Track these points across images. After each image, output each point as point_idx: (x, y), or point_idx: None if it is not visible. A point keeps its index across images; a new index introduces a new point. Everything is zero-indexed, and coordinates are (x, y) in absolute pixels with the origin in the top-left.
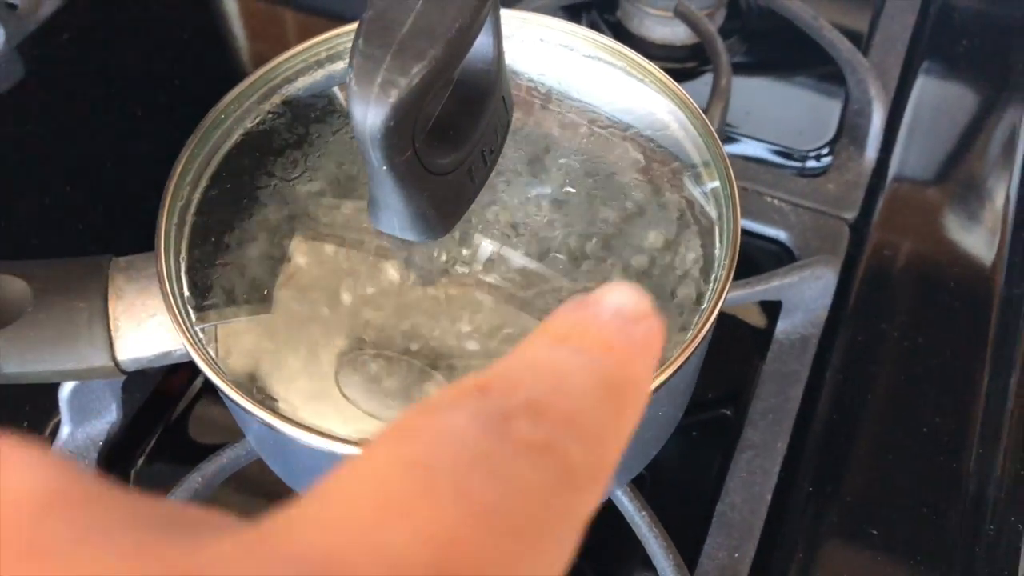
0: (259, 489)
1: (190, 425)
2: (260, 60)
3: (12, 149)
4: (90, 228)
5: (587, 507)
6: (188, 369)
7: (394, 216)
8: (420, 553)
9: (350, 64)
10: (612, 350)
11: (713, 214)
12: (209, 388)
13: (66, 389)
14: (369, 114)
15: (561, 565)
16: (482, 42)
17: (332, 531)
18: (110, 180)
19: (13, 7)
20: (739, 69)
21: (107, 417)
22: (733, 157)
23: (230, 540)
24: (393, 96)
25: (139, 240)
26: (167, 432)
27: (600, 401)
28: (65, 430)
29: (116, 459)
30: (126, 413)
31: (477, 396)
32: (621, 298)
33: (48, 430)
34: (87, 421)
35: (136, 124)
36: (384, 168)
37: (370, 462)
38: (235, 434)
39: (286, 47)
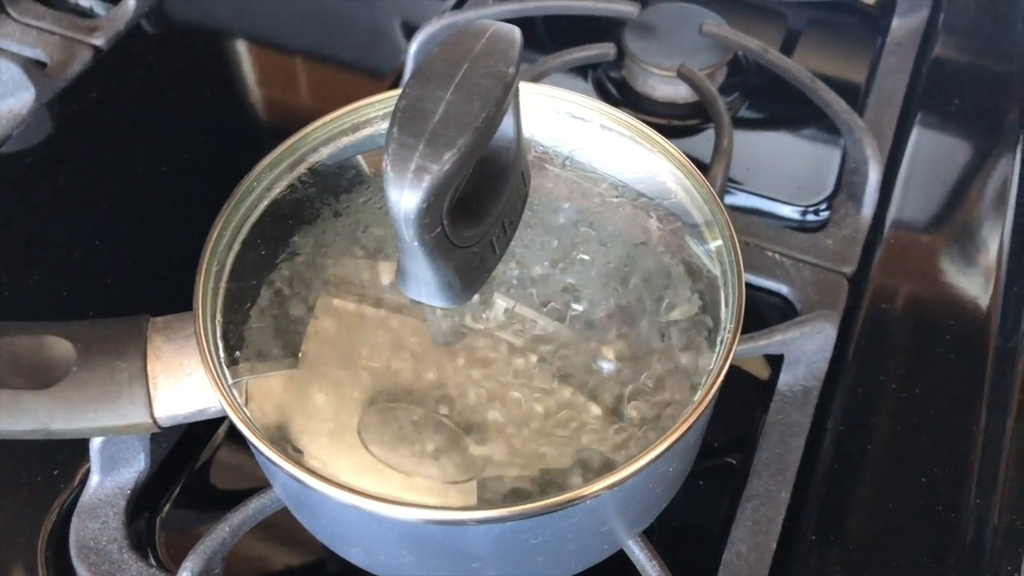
0: (284, 537)
1: (213, 471)
2: (277, 114)
3: (42, 204)
4: (118, 281)
5: None
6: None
7: (422, 285)
8: None
9: (386, 150)
10: None
11: (719, 279)
12: (232, 435)
13: (97, 440)
14: (404, 197)
15: None
16: (504, 123)
17: None
18: (137, 235)
19: (43, 65)
20: (740, 124)
21: (136, 466)
22: (734, 211)
23: None
24: (426, 181)
25: (164, 291)
26: (192, 479)
27: None
28: (95, 479)
29: (142, 506)
30: (153, 461)
31: None
32: None
33: (78, 478)
34: (116, 470)
35: (162, 180)
36: (415, 244)
37: None
38: (258, 479)
39: (300, 99)
